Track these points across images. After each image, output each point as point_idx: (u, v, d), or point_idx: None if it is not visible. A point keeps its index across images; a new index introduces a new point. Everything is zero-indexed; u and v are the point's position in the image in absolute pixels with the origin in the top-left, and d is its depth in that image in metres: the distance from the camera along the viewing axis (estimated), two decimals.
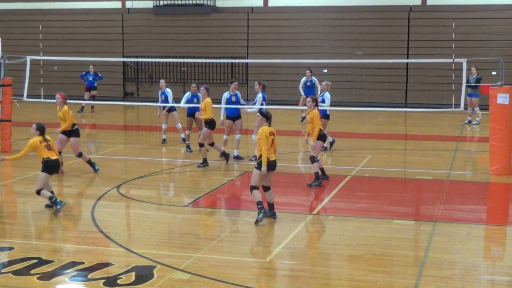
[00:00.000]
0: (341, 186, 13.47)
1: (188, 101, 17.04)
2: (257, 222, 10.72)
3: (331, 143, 17.36)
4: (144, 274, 8.54)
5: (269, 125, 10.86)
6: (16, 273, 8.57)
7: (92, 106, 25.86)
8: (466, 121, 22.42)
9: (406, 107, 26.66)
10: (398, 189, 13.76)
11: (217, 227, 10.97)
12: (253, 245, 10.06)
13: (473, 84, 21.50)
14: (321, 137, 13.37)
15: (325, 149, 16.86)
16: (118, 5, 31.13)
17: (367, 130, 21.40)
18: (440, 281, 8.34)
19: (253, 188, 10.81)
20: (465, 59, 15.25)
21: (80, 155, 14.48)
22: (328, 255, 9.46)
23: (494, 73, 23.90)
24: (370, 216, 11.37)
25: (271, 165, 10.79)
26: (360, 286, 8.23)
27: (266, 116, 10.88)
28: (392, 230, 10.52)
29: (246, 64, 28.77)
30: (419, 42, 27.28)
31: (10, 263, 8.97)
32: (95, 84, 25.84)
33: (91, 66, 25.74)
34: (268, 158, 10.68)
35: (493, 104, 14.34)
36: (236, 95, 16.02)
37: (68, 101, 14.39)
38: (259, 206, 10.74)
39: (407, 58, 27.25)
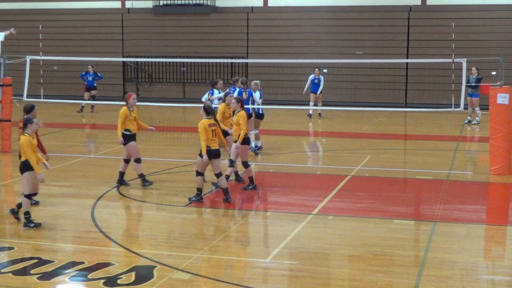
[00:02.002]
0: (341, 186, 13.47)
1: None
2: (189, 200, 12.11)
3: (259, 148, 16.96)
4: (144, 274, 8.54)
5: (210, 119, 11.93)
6: (16, 273, 8.58)
7: (92, 106, 25.85)
8: (466, 121, 22.42)
9: (406, 107, 26.66)
10: (398, 189, 13.76)
11: (217, 227, 10.97)
12: (253, 245, 10.06)
13: (473, 84, 21.50)
14: (246, 140, 13.04)
15: (256, 149, 16.70)
16: (118, 5, 31.13)
17: (367, 130, 21.39)
18: (440, 281, 8.34)
19: (197, 173, 12.09)
20: (465, 59, 15.25)
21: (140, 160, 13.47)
22: (328, 255, 9.46)
23: (494, 73, 23.89)
24: (370, 216, 11.37)
25: (213, 153, 11.88)
26: (360, 286, 8.23)
27: (207, 111, 11.97)
28: (392, 230, 10.52)
29: (246, 64, 28.76)
30: (419, 42, 27.28)
31: (10, 263, 8.97)
32: (95, 84, 25.85)
33: (89, 66, 25.72)
34: (209, 146, 11.79)
35: (493, 104, 14.33)
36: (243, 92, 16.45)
37: (68, 101, 14.36)
38: (197, 192, 12.11)
39: (407, 58, 27.24)
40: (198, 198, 12.14)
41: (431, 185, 13.71)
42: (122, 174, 13.49)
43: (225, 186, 12.12)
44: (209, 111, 11.98)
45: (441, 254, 9.30)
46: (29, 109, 11.75)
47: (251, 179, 13.17)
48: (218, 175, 12.10)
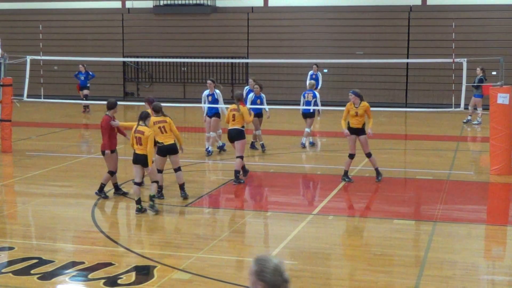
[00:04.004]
0: (341, 186, 13.47)
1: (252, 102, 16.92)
2: (150, 198, 11.52)
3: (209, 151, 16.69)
4: (144, 274, 8.54)
5: (158, 116, 12.07)
6: (16, 273, 8.58)
7: (88, 106, 25.68)
8: (465, 120, 22.39)
9: (406, 107, 26.64)
10: (398, 189, 13.76)
11: (217, 227, 10.97)
12: (253, 245, 10.06)
13: (475, 84, 21.52)
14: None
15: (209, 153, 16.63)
16: (118, 5, 31.12)
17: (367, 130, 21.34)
18: (441, 281, 8.34)
19: (157, 171, 11.94)
20: (465, 59, 15.25)
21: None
22: (328, 255, 9.46)
23: (494, 73, 23.89)
24: (370, 216, 11.36)
25: (166, 149, 12.01)
26: (360, 286, 8.23)
27: (154, 109, 12.19)
28: (392, 230, 10.52)
29: (246, 64, 28.75)
30: (419, 42, 27.27)
31: (11, 263, 8.97)
32: (88, 84, 25.57)
33: (80, 66, 25.55)
34: (162, 143, 11.95)
35: (493, 104, 14.34)
36: (213, 94, 16.41)
37: (68, 101, 14.35)
38: (158, 189, 11.91)
39: (407, 58, 27.22)
40: (158, 195, 12.13)
41: (431, 185, 13.71)
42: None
43: (181, 182, 12.33)
44: (156, 109, 12.19)
45: (441, 254, 9.30)
46: (113, 104, 12.47)
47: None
48: (177, 169, 12.26)
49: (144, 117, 11.40)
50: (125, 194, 12.54)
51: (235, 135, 13.54)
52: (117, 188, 12.56)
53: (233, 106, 13.88)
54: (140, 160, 11.35)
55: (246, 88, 18.36)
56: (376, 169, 13.79)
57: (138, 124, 11.38)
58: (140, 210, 11.28)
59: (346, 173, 13.79)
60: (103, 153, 12.27)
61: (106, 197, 12.34)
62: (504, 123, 14.23)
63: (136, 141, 11.32)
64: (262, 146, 17.08)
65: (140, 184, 11.51)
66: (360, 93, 13.86)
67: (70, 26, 30.76)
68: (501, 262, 9.50)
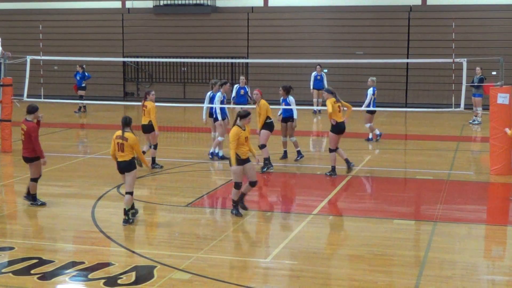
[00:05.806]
0: (341, 186, 13.47)
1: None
2: (124, 221, 10.78)
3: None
4: (144, 274, 8.54)
5: (126, 131, 10.76)
6: (16, 273, 8.58)
7: (84, 106, 25.64)
8: (471, 121, 22.38)
9: (406, 107, 26.65)
10: (398, 189, 13.76)
11: (217, 227, 10.97)
12: (253, 245, 10.06)
13: (476, 84, 21.50)
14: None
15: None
16: (118, 5, 31.13)
17: (368, 130, 21.35)
18: (441, 281, 8.34)
19: (127, 193, 10.82)
20: (465, 59, 15.25)
21: (263, 146, 14.75)
22: (328, 255, 9.46)
23: (494, 73, 23.89)
24: (370, 216, 11.36)
25: (120, 167, 10.78)
26: (360, 286, 8.23)
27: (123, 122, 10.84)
28: (392, 230, 10.52)
29: (246, 64, 28.75)
30: (419, 42, 27.28)
31: (11, 263, 8.97)
32: (83, 84, 25.48)
33: (78, 66, 25.51)
34: (117, 159, 10.77)
35: (493, 104, 14.35)
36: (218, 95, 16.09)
37: (68, 101, 14.32)
38: (128, 212, 10.84)
39: (407, 58, 27.23)
40: (129, 221, 11.02)
41: (431, 185, 13.71)
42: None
43: (125, 207, 10.85)
44: (124, 123, 10.87)
45: (441, 254, 9.30)
46: (36, 108, 11.85)
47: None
48: (128, 193, 10.84)
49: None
50: (43, 203, 11.81)
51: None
52: (30, 195, 11.85)
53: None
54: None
55: (236, 86, 18.74)
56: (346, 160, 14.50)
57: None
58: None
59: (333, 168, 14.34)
60: (32, 159, 11.55)
61: (43, 204, 11.81)
62: (504, 123, 14.22)
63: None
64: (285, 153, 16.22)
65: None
66: (332, 90, 14.52)
67: (70, 26, 30.77)
68: (501, 262, 9.50)
